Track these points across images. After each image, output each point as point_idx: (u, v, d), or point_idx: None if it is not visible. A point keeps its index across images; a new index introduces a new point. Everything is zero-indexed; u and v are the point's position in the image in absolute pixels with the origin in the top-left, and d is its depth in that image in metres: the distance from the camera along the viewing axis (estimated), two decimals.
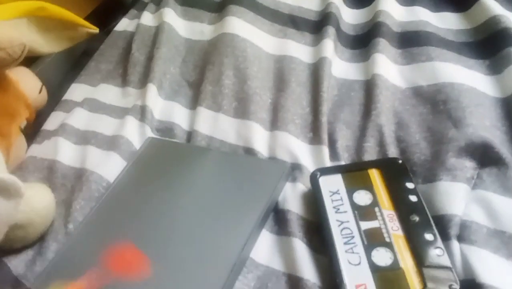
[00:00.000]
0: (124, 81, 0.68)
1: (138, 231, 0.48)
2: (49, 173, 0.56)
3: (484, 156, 0.48)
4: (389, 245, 0.41)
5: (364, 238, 0.42)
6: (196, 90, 0.64)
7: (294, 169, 0.52)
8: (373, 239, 0.42)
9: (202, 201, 0.49)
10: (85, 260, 0.46)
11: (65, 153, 0.58)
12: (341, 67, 0.63)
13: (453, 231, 0.42)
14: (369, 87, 0.58)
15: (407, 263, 0.40)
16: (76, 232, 0.49)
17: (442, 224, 0.43)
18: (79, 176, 0.55)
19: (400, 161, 0.48)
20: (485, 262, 0.40)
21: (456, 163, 0.47)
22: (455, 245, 0.42)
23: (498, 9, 0.62)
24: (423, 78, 0.57)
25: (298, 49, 0.66)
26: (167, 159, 0.55)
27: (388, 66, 0.60)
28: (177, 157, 0.55)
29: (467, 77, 0.56)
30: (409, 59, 0.61)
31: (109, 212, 0.51)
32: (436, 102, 0.54)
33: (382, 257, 0.41)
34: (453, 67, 0.57)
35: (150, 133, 0.59)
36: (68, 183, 0.55)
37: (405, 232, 0.42)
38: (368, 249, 0.41)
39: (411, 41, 0.63)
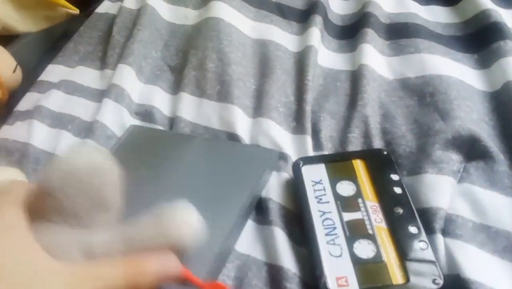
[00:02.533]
0: (103, 63, 0.65)
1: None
2: (21, 156, 0.54)
3: (471, 149, 0.47)
4: (371, 237, 0.40)
5: (347, 230, 0.41)
6: (178, 75, 0.62)
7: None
8: (356, 231, 0.41)
9: (187, 190, 0.47)
10: None
11: (39, 136, 0.56)
12: (327, 56, 0.62)
13: (438, 224, 0.41)
14: (355, 78, 0.57)
15: (390, 256, 0.38)
16: None
17: (426, 217, 0.42)
18: None
19: (385, 152, 0.47)
20: (470, 257, 0.39)
21: (443, 155, 0.46)
22: (439, 239, 0.41)
23: (487, 3, 0.62)
24: (411, 70, 0.56)
25: (284, 37, 0.64)
26: (151, 147, 0.53)
27: (375, 57, 0.59)
28: (161, 145, 0.53)
29: (455, 70, 0.55)
30: (397, 50, 0.60)
31: None
32: (423, 94, 0.53)
33: (364, 249, 0.39)
34: (441, 59, 0.57)
35: (127, 117, 0.57)
36: (40, 168, 0.53)
37: (388, 224, 0.41)
38: (350, 240, 0.40)
39: (399, 33, 0.62)
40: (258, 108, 0.55)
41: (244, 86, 0.58)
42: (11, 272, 0.29)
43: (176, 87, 0.61)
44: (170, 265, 0.35)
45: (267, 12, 0.68)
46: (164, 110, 0.58)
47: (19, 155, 0.54)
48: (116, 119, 0.57)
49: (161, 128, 0.56)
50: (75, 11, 0.72)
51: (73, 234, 0.33)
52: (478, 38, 0.59)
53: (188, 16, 0.69)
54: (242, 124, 0.54)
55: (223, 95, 0.57)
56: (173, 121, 0.57)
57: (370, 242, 0.40)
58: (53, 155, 0.53)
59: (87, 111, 0.58)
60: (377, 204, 0.43)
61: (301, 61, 0.60)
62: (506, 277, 0.38)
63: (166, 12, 0.71)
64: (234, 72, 0.58)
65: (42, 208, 0.34)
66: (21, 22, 0.63)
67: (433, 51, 0.58)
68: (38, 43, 0.72)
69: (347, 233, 0.41)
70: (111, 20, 0.72)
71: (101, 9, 0.76)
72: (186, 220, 0.36)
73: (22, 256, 0.30)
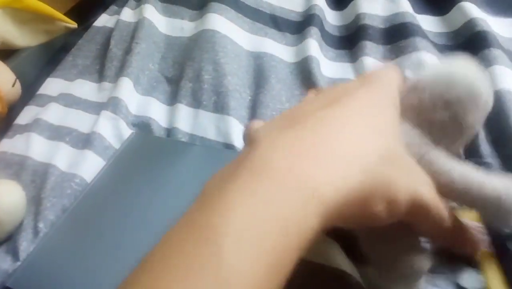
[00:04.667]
0: (101, 76, 0.66)
1: (119, 228, 0.46)
2: (20, 169, 0.54)
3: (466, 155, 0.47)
4: None
5: None
6: (175, 87, 0.62)
7: None
8: None
9: (187, 198, 0.47)
10: (62, 259, 0.44)
11: (37, 148, 0.56)
12: (326, 66, 0.62)
13: None
14: None
15: None
16: (54, 229, 0.47)
17: None
18: (51, 172, 0.53)
19: None
20: None
21: None
22: None
23: (474, 12, 0.62)
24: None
25: (279, 48, 0.65)
26: (151, 154, 0.53)
27: (374, 64, 0.60)
28: (162, 153, 0.53)
29: None
30: (398, 52, 0.60)
31: (87, 208, 0.49)
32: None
33: None
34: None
35: (125, 128, 0.58)
36: (38, 180, 0.53)
37: None
38: None
39: (397, 35, 0.63)
40: (253, 119, 0.56)
41: (240, 97, 0.58)
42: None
43: (172, 98, 0.61)
44: None
45: (262, 24, 0.69)
46: (161, 121, 0.59)
47: (17, 167, 0.55)
48: (114, 130, 0.57)
49: (162, 136, 0.57)
50: (73, 25, 0.73)
51: (419, 138, 0.32)
52: (467, 47, 0.60)
53: (184, 28, 0.70)
54: (238, 135, 0.54)
55: (220, 106, 0.57)
56: (170, 132, 0.57)
57: None
58: (51, 166, 0.54)
59: (85, 124, 0.59)
60: None
61: (302, 72, 0.60)
62: None
63: (163, 25, 0.72)
64: (229, 83, 0.59)
65: (405, 101, 0.32)
66: (20, 37, 0.64)
67: (431, 50, 0.58)
68: (37, 57, 0.73)
69: None
70: (109, 33, 0.72)
71: (99, 22, 0.77)
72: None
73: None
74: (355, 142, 0.26)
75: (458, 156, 0.32)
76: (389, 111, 0.30)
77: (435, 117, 0.31)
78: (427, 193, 0.28)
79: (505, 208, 0.29)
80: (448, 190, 0.30)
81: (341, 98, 0.29)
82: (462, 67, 0.32)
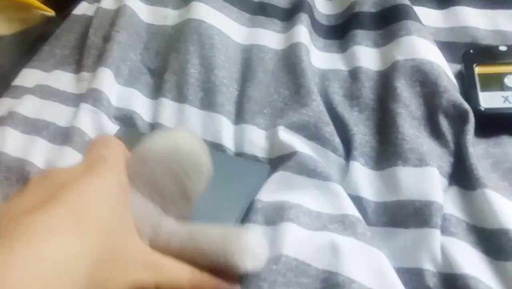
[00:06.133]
0: (79, 66, 0.63)
1: None
2: None
3: None
4: None
5: None
6: (158, 79, 0.60)
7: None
8: None
9: None
10: None
11: (12, 143, 0.54)
12: (315, 56, 0.60)
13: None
14: (346, 78, 0.57)
15: None
16: None
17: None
18: (27, 170, 0.51)
19: None
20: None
21: None
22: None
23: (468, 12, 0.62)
24: (401, 53, 0.55)
25: (266, 36, 0.62)
26: None
27: (367, 56, 0.58)
28: None
29: (443, 60, 0.54)
30: (389, 37, 0.58)
31: None
32: (412, 82, 0.52)
33: None
34: (430, 45, 0.55)
35: (107, 123, 0.55)
36: (13, 177, 0.51)
37: None
38: None
39: (390, 17, 0.60)
40: (242, 115, 0.54)
41: (228, 91, 0.56)
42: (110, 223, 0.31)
43: (156, 92, 0.59)
44: None
45: (250, 14, 0.67)
46: (144, 115, 0.57)
47: None
48: (94, 125, 0.55)
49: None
50: (51, 13, 0.70)
51: (151, 210, 0.35)
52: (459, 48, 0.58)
53: (167, 16, 0.67)
54: (226, 133, 0.53)
55: (207, 102, 0.55)
56: (153, 127, 0.55)
57: None
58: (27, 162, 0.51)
59: (63, 117, 0.56)
60: None
61: (288, 59, 0.58)
62: None
63: (145, 13, 0.69)
64: (217, 78, 0.57)
65: (135, 174, 0.36)
66: None
67: (423, 34, 0.56)
68: (12, 46, 0.70)
69: None
70: (88, 22, 0.69)
71: (78, 10, 0.73)
72: (255, 254, 0.36)
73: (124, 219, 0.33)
74: (62, 254, 0.26)
75: (185, 219, 0.37)
76: (114, 201, 0.32)
77: (164, 186, 0.35)
78: (146, 276, 0.32)
79: (226, 250, 0.34)
80: (181, 250, 0.35)
81: (59, 193, 0.29)
82: (185, 141, 0.36)
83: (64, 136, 0.54)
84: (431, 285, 0.38)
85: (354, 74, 0.56)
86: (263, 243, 0.37)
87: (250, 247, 0.35)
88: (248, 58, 0.60)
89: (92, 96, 0.56)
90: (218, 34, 0.62)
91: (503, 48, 0.54)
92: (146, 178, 0.35)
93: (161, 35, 0.65)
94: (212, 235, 0.35)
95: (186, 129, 0.36)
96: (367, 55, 0.58)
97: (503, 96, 0.50)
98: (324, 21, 0.66)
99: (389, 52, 0.56)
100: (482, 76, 0.52)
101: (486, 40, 0.58)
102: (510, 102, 0.49)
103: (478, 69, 0.53)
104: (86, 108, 0.55)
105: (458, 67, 0.56)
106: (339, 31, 0.64)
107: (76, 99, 0.58)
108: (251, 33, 0.64)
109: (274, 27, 0.64)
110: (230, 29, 0.64)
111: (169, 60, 0.60)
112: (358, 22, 0.62)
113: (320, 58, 0.60)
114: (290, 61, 0.57)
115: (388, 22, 0.60)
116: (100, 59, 0.61)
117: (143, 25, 0.67)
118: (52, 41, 0.69)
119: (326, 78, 0.57)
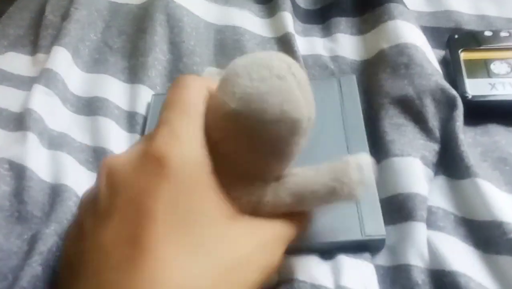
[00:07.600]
0: (35, 47, 0.59)
1: None
2: None
3: None
4: None
5: None
6: (125, 62, 0.56)
7: None
8: None
9: None
10: None
11: None
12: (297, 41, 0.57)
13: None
14: (327, 65, 0.54)
15: None
16: None
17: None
18: None
19: None
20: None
21: None
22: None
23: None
24: (385, 40, 0.52)
25: (243, 18, 0.59)
26: None
27: (348, 43, 0.55)
28: None
29: (426, 43, 0.52)
30: (372, 22, 0.55)
31: None
32: (397, 65, 0.49)
33: None
34: (414, 28, 0.53)
35: (60, 107, 0.51)
36: None
37: None
38: None
39: (372, 1, 0.57)
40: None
41: None
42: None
43: (128, 75, 0.55)
44: None
45: None
46: (120, 103, 0.52)
47: None
48: (47, 107, 0.50)
49: None
50: None
51: (244, 190, 0.33)
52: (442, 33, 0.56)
53: None
54: None
55: None
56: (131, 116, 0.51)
57: None
58: None
59: (17, 102, 0.52)
60: None
61: (284, 51, 0.54)
62: None
63: None
64: (185, 66, 0.54)
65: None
66: None
67: (407, 18, 0.54)
68: None
69: None
70: None
71: None
72: (361, 177, 0.33)
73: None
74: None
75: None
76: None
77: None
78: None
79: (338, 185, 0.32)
80: (300, 203, 0.33)
81: (148, 226, 0.28)
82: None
83: (18, 121, 0.49)
84: (419, 281, 0.35)
85: (336, 62, 0.53)
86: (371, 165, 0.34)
87: (360, 174, 0.33)
88: (222, 40, 0.57)
89: (45, 77, 0.52)
90: (187, 15, 0.58)
91: (488, 33, 0.52)
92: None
93: (125, 13, 0.61)
94: (320, 175, 0.33)
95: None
96: (351, 44, 0.55)
97: (490, 84, 0.48)
98: (302, 4, 0.63)
99: (374, 40, 0.53)
100: (468, 62, 0.50)
101: (470, 25, 0.56)
102: (497, 89, 0.47)
103: (463, 55, 0.51)
104: (39, 90, 0.51)
105: (442, 53, 0.53)
106: (319, 16, 0.60)
107: (31, 83, 0.53)
108: (225, 13, 0.60)
109: (250, 7, 0.60)
110: (201, 8, 0.60)
111: (136, 41, 0.57)
112: (340, 7, 0.59)
113: (299, 42, 0.57)
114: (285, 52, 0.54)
115: (371, 6, 0.56)
116: (56, 38, 0.57)
117: (105, 3, 0.63)
118: (4, 20, 0.64)
119: (306, 64, 0.54)
